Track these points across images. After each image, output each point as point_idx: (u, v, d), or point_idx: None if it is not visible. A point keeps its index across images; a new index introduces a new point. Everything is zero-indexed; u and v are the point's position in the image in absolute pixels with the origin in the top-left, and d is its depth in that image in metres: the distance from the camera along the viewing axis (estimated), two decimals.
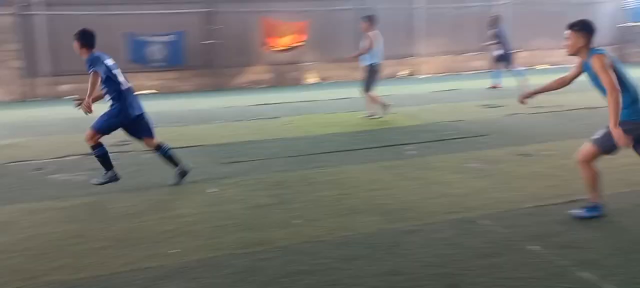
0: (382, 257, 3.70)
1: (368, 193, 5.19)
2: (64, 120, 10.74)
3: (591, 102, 10.59)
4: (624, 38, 19.59)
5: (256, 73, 17.74)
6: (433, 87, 14.35)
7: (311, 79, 17.98)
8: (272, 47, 17.05)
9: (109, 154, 5.61)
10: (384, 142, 7.61)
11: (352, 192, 5.25)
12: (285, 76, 18.01)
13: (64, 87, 15.49)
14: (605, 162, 5.96)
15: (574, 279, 3.26)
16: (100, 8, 14.93)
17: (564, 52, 4.20)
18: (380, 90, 9.87)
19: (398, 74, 18.57)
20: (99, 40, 5.49)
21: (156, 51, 15.86)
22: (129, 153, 7.33)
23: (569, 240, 3.82)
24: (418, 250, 3.79)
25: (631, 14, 19.55)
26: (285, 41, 17.04)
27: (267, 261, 3.71)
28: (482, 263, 3.51)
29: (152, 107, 12.48)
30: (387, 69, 18.43)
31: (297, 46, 17.15)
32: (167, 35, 15.94)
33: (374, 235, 4.11)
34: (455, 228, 4.16)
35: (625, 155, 6.29)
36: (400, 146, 7.27)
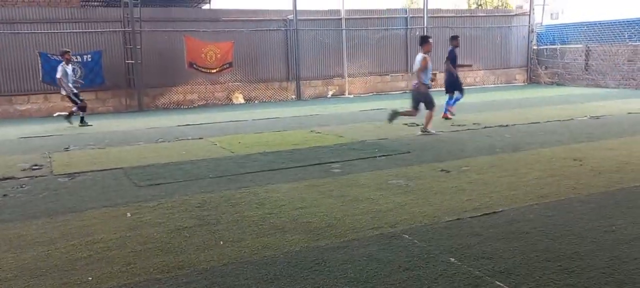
0: (306, 276, 3.68)
1: (293, 212, 5.17)
2: None
3: (504, 121, 11.22)
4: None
5: (180, 94, 17.36)
6: (360, 106, 14.64)
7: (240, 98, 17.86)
8: (198, 66, 16.74)
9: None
10: (310, 160, 7.64)
11: (277, 211, 5.22)
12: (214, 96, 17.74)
13: None
14: (516, 177, 6.30)
15: None
16: None
17: None
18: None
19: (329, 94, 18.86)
20: None
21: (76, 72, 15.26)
22: (43, 177, 6.92)
23: (483, 252, 3.98)
24: (341, 266, 3.81)
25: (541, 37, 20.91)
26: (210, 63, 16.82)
27: (188, 285, 3.59)
28: (402, 277, 3.57)
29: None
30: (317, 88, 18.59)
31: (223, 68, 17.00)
32: (85, 54, 15.39)
33: (298, 254, 4.09)
34: (378, 244, 4.22)
35: (535, 169, 6.68)
36: (327, 164, 7.34)
